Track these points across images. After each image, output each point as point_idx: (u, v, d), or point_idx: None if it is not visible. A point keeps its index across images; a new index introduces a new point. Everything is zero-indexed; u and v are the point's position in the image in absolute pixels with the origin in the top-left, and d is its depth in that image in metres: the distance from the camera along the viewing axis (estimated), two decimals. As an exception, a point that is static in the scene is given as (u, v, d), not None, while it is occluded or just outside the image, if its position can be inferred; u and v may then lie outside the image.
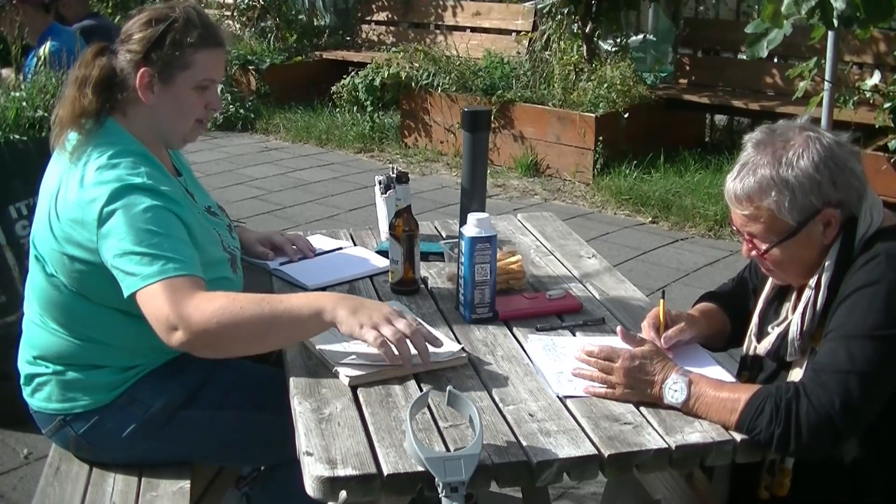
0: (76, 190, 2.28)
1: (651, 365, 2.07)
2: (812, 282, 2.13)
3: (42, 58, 4.27)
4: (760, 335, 2.30)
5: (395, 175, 2.71)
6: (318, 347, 2.25)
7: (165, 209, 2.27)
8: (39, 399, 2.47)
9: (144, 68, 2.35)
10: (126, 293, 2.20)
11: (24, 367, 2.51)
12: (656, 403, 2.04)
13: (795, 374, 2.13)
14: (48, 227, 2.34)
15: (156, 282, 2.16)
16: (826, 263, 2.11)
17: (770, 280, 2.31)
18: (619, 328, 2.24)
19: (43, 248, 2.38)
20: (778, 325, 2.24)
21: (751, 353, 2.32)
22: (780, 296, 2.31)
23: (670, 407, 2.02)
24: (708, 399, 1.98)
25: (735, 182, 2.13)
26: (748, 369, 2.33)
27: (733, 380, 2.12)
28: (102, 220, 2.22)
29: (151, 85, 2.37)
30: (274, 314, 2.14)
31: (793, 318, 2.17)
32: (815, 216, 2.08)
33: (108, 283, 2.24)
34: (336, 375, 2.15)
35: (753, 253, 2.18)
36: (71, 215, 2.28)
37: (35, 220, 2.44)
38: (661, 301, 2.31)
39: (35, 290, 2.45)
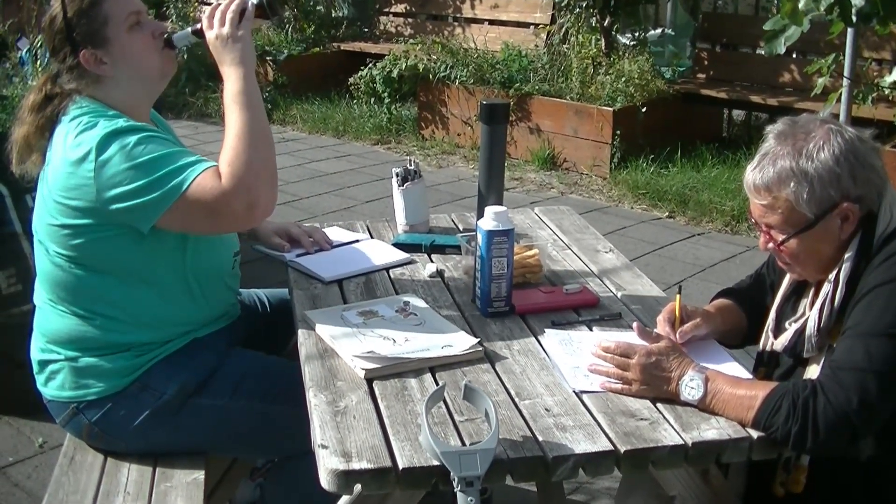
0: (61, 159, 2.32)
1: (668, 361, 2.06)
2: (830, 277, 2.12)
3: None
4: (777, 331, 2.29)
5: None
6: (331, 340, 2.26)
7: (154, 137, 2.34)
8: (53, 387, 2.48)
9: (81, 52, 2.40)
10: (152, 221, 2.28)
11: (36, 354, 2.53)
12: (673, 400, 2.03)
13: (812, 371, 2.12)
14: (42, 204, 2.39)
15: (184, 191, 2.25)
16: (844, 259, 2.10)
17: (788, 276, 2.30)
18: (635, 324, 2.23)
19: (41, 228, 2.41)
20: (795, 322, 2.23)
21: (768, 349, 2.31)
22: (797, 292, 2.30)
23: (687, 403, 2.01)
24: (724, 396, 1.97)
25: (755, 172, 2.12)
26: (765, 365, 2.32)
27: (750, 376, 2.11)
28: (98, 172, 2.25)
29: (98, 58, 2.41)
30: (249, 119, 2.42)
31: (810, 315, 2.16)
32: (833, 210, 2.07)
33: (105, 245, 2.32)
34: (352, 367, 2.16)
35: (770, 245, 2.17)
36: (61, 183, 2.31)
37: (35, 207, 2.47)
38: (678, 296, 2.30)
39: (41, 275, 2.48)
